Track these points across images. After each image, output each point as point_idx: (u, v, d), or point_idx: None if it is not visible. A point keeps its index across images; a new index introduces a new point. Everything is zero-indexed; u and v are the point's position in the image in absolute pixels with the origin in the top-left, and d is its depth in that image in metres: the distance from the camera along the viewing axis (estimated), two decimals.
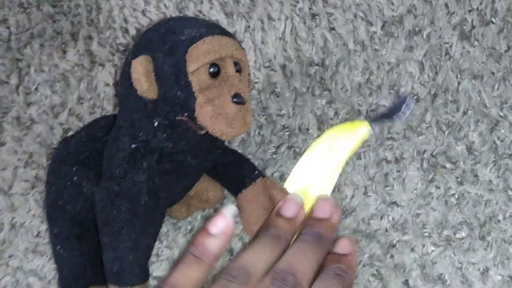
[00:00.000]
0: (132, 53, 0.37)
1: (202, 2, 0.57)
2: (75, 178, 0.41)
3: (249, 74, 0.40)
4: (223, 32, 0.38)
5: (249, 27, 0.55)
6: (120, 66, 0.56)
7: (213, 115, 0.35)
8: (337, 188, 0.47)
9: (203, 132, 0.37)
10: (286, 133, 0.50)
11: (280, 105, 0.51)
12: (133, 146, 0.37)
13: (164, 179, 0.39)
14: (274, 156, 0.49)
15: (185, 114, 0.36)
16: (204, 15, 0.57)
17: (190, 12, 0.57)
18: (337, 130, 0.48)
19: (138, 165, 0.37)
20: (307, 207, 0.46)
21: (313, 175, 0.47)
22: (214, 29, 0.37)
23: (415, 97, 0.49)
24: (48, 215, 0.44)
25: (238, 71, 0.37)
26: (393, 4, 0.53)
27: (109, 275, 0.39)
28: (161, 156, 0.38)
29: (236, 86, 0.36)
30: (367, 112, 0.49)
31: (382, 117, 0.48)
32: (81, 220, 0.42)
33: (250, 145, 0.50)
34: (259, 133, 0.50)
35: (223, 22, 0.56)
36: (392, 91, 0.50)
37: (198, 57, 0.35)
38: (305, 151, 0.48)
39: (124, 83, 0.38)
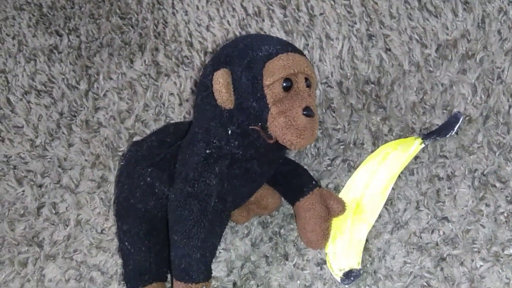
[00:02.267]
0: (211, 65, 0.40)
1: (263, 20, 0.60)
2: (148, 179, 0.44)
3: (316, 88, 0.43)
4: (296, 49, 0.41)
5: (307, 45, 0.58)
6: (184, 78, 0.59)
7: (285, 126, 0.38)
8: (390, 202, 0.49)
9: (272, 141, 0.40)
10: (341, 146, 0.52)
11: (336, 120, 0.53)
12: (207, 151, 0.40)
13: (232, 184, 0.42)
14: (329, 168, 0.51)
15: (258, 124, 0.39)
16: (265, 32, 0.60)
17: (252, 29, 0.60)
18: (391, 146, 0.50)
19: (211, 169, 0.40)
20: (359, 218, 0.48)
21: (367, 187, 0.49)
22: (288, 46, 0.40)
23: (467, 118, 0.51)
24: (118, 212, 0.47)
25: (308, 86, 0.40)
26: (447, 28, 0.56)
27: (177, 271, 0.41)
28: (231, 162, 0.41)
29: (306, 99, 0.39)
30: (420, 130, 0.51)
31: (434, 135, 0.50)
32: (150, 218, 0.45)
33: (306, 157, 0.52)
34: (315, 145, 0.53)
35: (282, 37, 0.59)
36: (445, 111, 0.52)
37: (274, 72, 0.38)
38: (360, 164, 0.50)
39: (201, 93, 0.41)
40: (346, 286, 0.45)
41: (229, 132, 0.40)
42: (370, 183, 0.49)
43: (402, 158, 0.49)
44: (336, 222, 0.47)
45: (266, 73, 0.38)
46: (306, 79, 0.40)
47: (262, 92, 0.38)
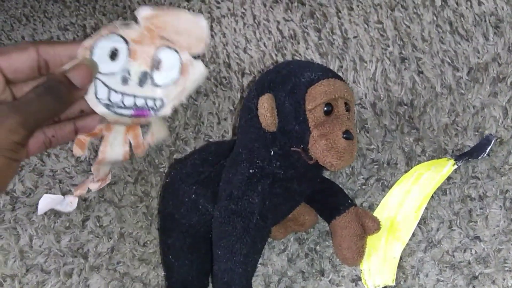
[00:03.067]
0: (256, 90, 0.42)
1: (298, 43, 0.63)
2: (193, 195, 0.46)
3: (354, 112, 0.45)
4: (336, 75, 0.43)
5: (341, 67, 0.60)
6: (222, 98, 0.62)
7: (325, 148, 0.40)
8: (423, 221, 0.50)
9: (312, 162, 0.42)
10: (375, 166, 0.54)
11: (370, 140, 0.55)
12: (251, 171, 0.43)
13: (273, 202, 0.44)
14: (363, 187, 0.53)
15: (300, 146, 0.41)
16: (300, 54, 0.62)
17: (288, 51, 0.62)
18: (424, 167, 0.52)
19: (254, 188, 0.42)
20: (393, 236, 0.50)
21: (401, 206, 0.51)
22: (328, 72, 0.42)
23: (498, 140, 0.53)
24: (162, 226, 0.50)
25: (348, 110, 0.42)
26: (478, 52, 0.57)
27: (219, 284, 0.44)
28: (273, 181, 0.43)
29: (345, 123, 0.41)
30: (452, 151, 0.53)
31: (467, 156, 0.52)
32: (194, 233, 0.47)
33: (340, 176, 0.54)
34: (349, 165, 0.54)
35: (317, 61, 0.61)
36: (476, 133, 0.53)
37: (316, 97, 0.40)
38: (394, 183, 0.52)
39: (246, 116, 0.43)
40: None
41: (272, 153, 0.42)
42: (404, 203, 0.51)
43: (435, 178, 0.51)
44: (371, 240, 0.49)
45: (309, 98, 0.40)
46: (346, 103, 0.42)
47: (304, 116, 0.40)
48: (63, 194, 0.59)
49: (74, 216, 0.58)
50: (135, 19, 0.40)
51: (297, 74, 0.42)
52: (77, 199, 0.54)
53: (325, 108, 0.41)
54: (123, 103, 0.41)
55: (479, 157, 0.52)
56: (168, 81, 0.41)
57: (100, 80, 0.40)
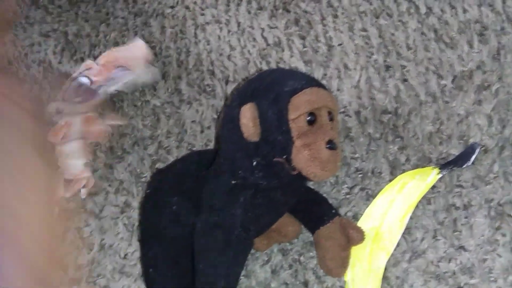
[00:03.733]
0: (238, 99, 0.42)
1: (283, 50, 0.62)
2: (174, 207, 0.45)
3: (338, 121, 0.45)
4: (319, 84, 0.42)
5: (326, 74, 0.59)
6: (206, 106, 0.61)
7: (309, 159, 0.40)
8: (407, 231, 0.50)
9: (295, 172, 0.41)
10: (360, 175, 0.53)
11: (354, 148, 0.55)
12: (232, 182, 0.42)
13: (255, 213, 0.43)
14: (347, 196, 0.53)
15: (283, 156, 0.40)
16: (284, 61, 0.62)
17: (272, 59, 0.62)
18: (409, 176, 0.52)
19: (236, 199, 0.42)
20: (377, 246, 0.49)
21: (385, 216, 0.50)
22: (312, 81, 0.42)
23: (483, 148, 0.52)
24: (143, 238, 0.49)
25: (331, 119, 0.42)
26: (463, 60, 0.57)
27: None
28: (255, 192, 0.42)
29: (329, 133, 0.41)
30: (437, 159, 0.52)
31: (451, 165, 0.51)
32: (175, 245, 0.46)
33: (324, 185, 0.54)
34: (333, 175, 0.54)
35: (302, 69, 0.60)
36: (461, 141, 0.53)
37: (299, 106, 0.40)
38: (378, 193, 0.51)
39: (227, 125, 0.42)
40: None
41: (254, 163, 0.41)
42: (388, 212, 0.50)
43: (419, 187, 0.51)
44: (355, 250, 0.48)
45: (292, 108, 0.40)
46: (329, 112, 0.42)
47: (287, 126, 0.40)
48: None
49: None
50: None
51: (280, 83, 0.41)
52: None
53: (308, 118, 0.40)
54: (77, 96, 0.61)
55: (464, 166, 0.51)
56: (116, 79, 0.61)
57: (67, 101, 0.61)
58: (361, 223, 0.50)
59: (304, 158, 0.40)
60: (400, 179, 0.52)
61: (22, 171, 0.49)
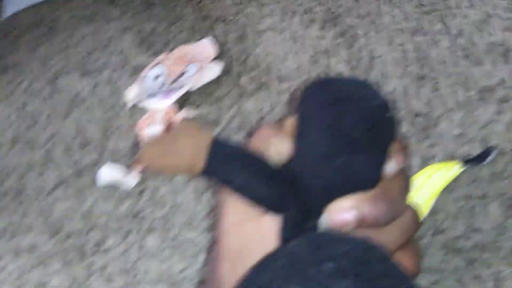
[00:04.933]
0: None
1: (330, 58, 0.73)
2: None
3: None
4: None
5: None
6: (262, 99, 0.71)
7: None
8: (431, 213, 0.59)
9: None
10: None
11: None
12: None
13: None
14: None
15: None
16: (330, 68, 0.72)
17: (321, 64, 0.72)
18: (435, 167, 0.61)
19: None
20: None
21: (413, 199, 0.60)
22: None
23: (500, 150, 0.62)
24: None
25: None
26: (487, 76, 0.67)
27: None
28: None
29: None
30: (460, 158, 0.62)
31: (471, 162, 0.61)
32: None
33: None
34: None
35: (347, 75, 0.71)
36: (481, 144, 0.62)
37: None
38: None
39: None
40: None
41: None
42: (415, 197, 0.60)
43: (444, 178, 0.60)
44: None
45: None
46: None
47: None
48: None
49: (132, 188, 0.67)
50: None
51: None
52: (137, 179, 0.64)
53: None
54: (157, 94, 0.66)
55: (482, 163, 0.61)
56: (188, 76, 0.69)
57: (146, 90, 0.72)
58: None
59: None
60: (428, 170, 0.61)
61: None
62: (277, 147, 0.30)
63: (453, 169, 0.61)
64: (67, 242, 0.63)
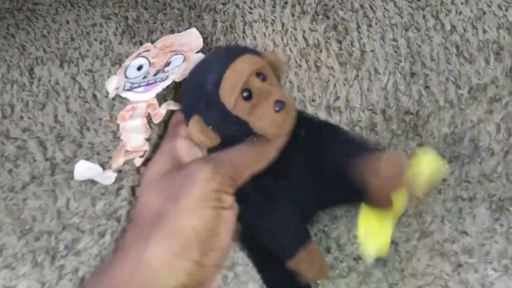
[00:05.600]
0: (184, 116, 0.41)
1: (321, 51, 0.71)
2: None
3: (278, 62, 0.42)
4: (234, 56, 0.39)
5: (358, 76, 0.68)
6: None
7: (268, 127, 0.39)
8: (419, 214, 0.58)
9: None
10: None
11: (378, 141, 0.63)
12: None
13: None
14: None
15: (251, 137, 0.41)
16: (321, 61, 0.70)
17: (311, 57, 0.70)
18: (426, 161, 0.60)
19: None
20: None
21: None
22: (225, 60, 0.39)
23: (490, 151, 0.60)
24: None
25: (263, 79, 0.39)
26: (479, 74, 0.65)
27: None
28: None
29: (270, 93, 0.39)
30: (449, 157, 0.61)
31: (459, 161, 0.59)
32: None
33: None
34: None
35: (337, 69, 0.69)
36: (472, 144, 0.61)
37: (230, 94, 0.38)
38: None
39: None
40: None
41: None
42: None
43: (433, 174, 0.59)
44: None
45: (225, 100, 0.38)
46: (258, 74, 0.39)
47: (233, 115, 0.39)
48: (101, 165, 0.66)
49: (109, 185, 0.65)
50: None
51: (201, 84, 0.39)
52: (115, 175, 0.62)
53: (244, 95, 0.38)
54: (139, 85, 0.63)
55: (470, 163, 0.59)
56: (173, 67, 0.65)
57: (128, 81, 0.68)
58: None
59: (263, 128, 0.39)
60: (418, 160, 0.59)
61: None
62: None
63: (442, 169, 0.59)
64: (37, 243, 0.60)
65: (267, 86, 0.39)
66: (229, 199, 0.37)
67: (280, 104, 0.38)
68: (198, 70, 0.40)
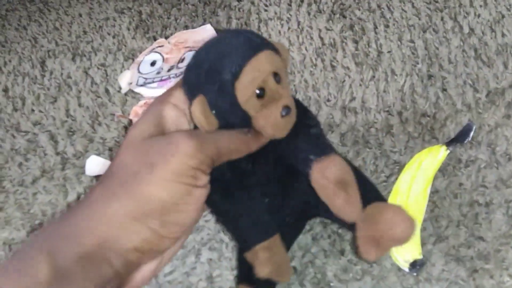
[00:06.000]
0: (186, 93, 0.41)
1: (337, 51, 0.70)
2: None
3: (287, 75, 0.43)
4: (256, 49, 0.39)
5: (374, 76, 0.67)
6: None
7: (270, 129, 0.39)
8: (435, 218, 0.57)
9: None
10: (397, 167, 0.61)
11: (394, 143, 0.62)
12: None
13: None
14: (384, 183, 0.60)
15: (246, 130, 0.41)
16: (337, 61, 0.69)
17: (327, 57, 0.69)
18: (423, 154, 0.59)
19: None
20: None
21: (410, 190, 0.58)
22: (247, 52, 0.39)
23: (507, 156, 0.60)
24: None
25: (278, 81, 0.40)
26: (497, 78, 0.65)
27: None
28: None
29: (281, 100, 0.39)
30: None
31: (455, 142, 0.59)
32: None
33: (365, 171, 0.61)
34: (374, 163, 0.61)
35: (353, 69, 0.68)
36: (489, 148, 0.60)
37: (246, 89, 0.38)
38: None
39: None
40: (415, 274, 0.54)
41: None
42: (412, 186, 0.58)
43: (433, 163, 0.59)
44: None
45: (239, 93, 0.38)
46: (275, 74, 0.40)
47: (241, 109, 0.39)
48: (112, 160, 0.65)
49: None
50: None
51: (218, 69, 0.38)
52: None
53: (257, 93, 0.38)
54: (153, 81, 0.63)
55: (465, 141, 0.59)
56: (186, 63, 0.62)
57: (141, 76, 0.68)
58: (391, 199, 0.58)
59: (266, 129, 0.40)
60: (417, 157, 0.59)
61: None
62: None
63: (440, 153, 0.59)
64: None
65: (280, 89, 0.40)
66: (204, 179, 0.36)
67: (287, 110, 0.39)
68: (216, 52, 0.40)
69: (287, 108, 0.39)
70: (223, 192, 0.43)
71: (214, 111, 0.39)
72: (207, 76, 0.39)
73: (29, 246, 0.34)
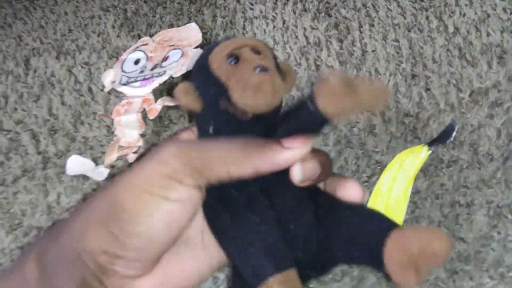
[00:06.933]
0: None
1: (321, 50, 0.69)
2: None
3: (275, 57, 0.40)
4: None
5: (358, 75, 0.67)
6: None
7: (242, 90, 0.35)
8: (416, 219, 0.57)
9: (248, 116, 0.37)
10: (378, 167, 0.60)
11: (376, 143, 0.62)
12: None
13: None
14: (365, 183, 0.60)
15: (224, 101, 0.37)
16: (322, 60, 0.69)
17: (311, 56, 0.69)
18: (404, 154, 0.59)
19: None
20: (389, 216, 0.55)
21: (391, 191, 0.58)
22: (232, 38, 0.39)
23: (489, 156, 0.59)
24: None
25: (257, 53, 0.37)
26: (481, 77, 0.64)
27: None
28: None
29: (256, 61, 0.36)
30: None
31: (436, 142, 0.59)
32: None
33: (347, 172, 0.61)
34: (355, 163, 0.61)
35: (337, 68, 0.68)
36: (471, 148, 0.60)
37: (216, 55, 0.37)
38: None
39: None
40: None
41: (211, 130, 0.38)
42: (393, 187, 0.58)
43: (415, 164, 0.58)
44: None
45: (211, 60, 0.37)
46: (253, 49, 0.38)
47: (214, 76, 0.37)
48: (93, 160, 0.65)
49: (101, 181, 0.64)
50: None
51: (204, 54, 0.39)
52: (108, 170, 0.61)
53: (229, 60, 0.37)
54: (136, 80, 0.62)
55: (447, 142, 0.59)
56: (171, 62, 0.64)
57: (125, 75, 0.67)
58: (371, 201, 0.57)
59: (238, 92, 0.35)
60: (399, 157, 0.59)
61: None
62: None
63: (421, 153, 0.59)
64: (26, 239, 0.59)
65: (257, 59, 0.37)
66: (182, 191, 0.32)
67: (261, 68, 0.35)
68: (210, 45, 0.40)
69: (262, 66, 0.35)
70: (230, 215, 0.36)
71: (197, 92, 0.38)
72: (196, 65, 0.39)
73: (28, 249, 0.36)
